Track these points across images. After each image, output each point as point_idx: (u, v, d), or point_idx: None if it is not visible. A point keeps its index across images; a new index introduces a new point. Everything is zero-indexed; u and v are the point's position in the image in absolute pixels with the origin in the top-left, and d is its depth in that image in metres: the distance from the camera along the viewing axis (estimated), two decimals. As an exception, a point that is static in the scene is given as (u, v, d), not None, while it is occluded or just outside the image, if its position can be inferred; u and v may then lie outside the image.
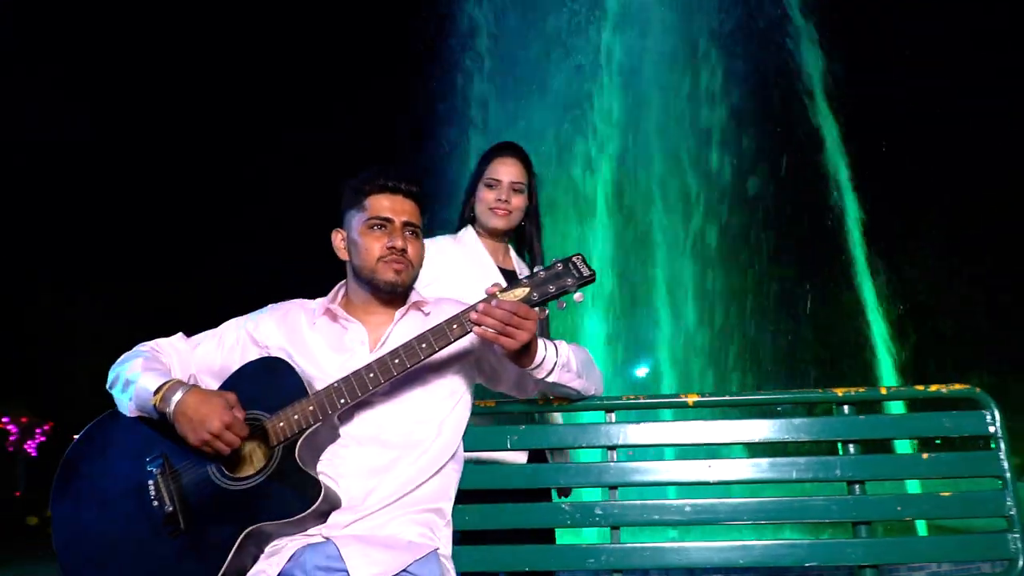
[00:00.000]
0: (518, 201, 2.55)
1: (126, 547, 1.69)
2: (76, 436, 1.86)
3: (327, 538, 1.66)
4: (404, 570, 1.62)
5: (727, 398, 2.19)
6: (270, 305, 2.03)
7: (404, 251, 1.87)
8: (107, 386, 1.88)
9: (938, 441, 2.23)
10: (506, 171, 2.55)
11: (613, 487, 2.06)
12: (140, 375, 1.78)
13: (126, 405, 1.79)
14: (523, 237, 2.66)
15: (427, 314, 1.94)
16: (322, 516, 1.68)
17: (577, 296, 1.79)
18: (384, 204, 1.87)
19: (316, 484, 1.65)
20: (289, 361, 1.81)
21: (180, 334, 2.00)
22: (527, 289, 1.78)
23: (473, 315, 1.73)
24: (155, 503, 1.69)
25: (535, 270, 1.81)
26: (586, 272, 1.79)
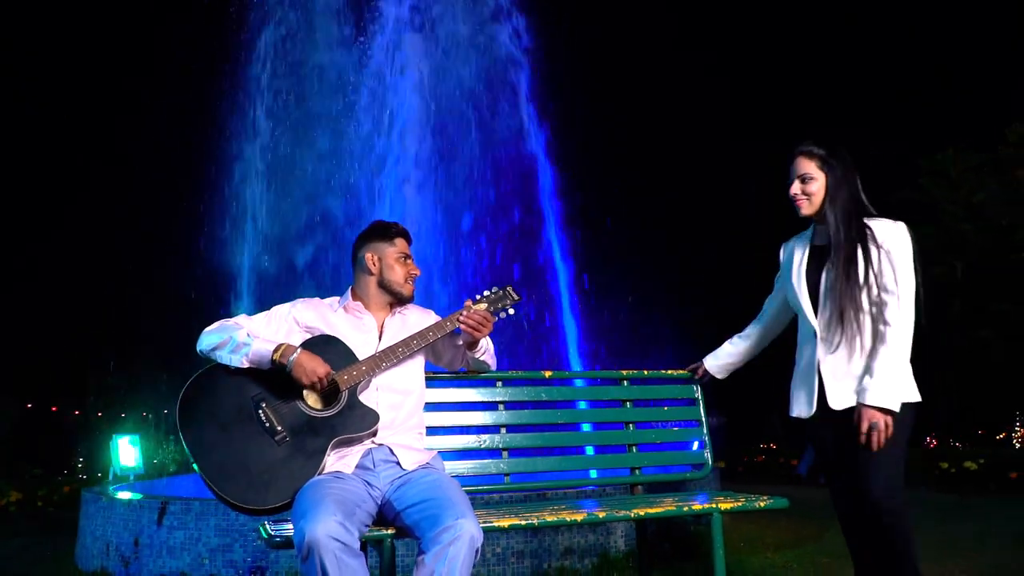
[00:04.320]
0: (810, 188, 2.92)
1: (248, 451, 2.61)
2: (185, 386, 2.71)
3: (380, 444, 2.77)
4: (428, 462, 2.81)
5: (568, 372, 3.67)
6: (300, 299, 3.02)
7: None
8: (208, 348, 2.75)
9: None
10: (792, 169, 2.97)
11: (504, 426, 3.41)
12: (253, 340, 2.70)
13: (238, 360, 2.69)
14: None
15: (404, 313, 3.10)
16: (374, 433, 2.78)
17: (511, 311, 3.11)
18: (404, 244, 3.02)
19: (375, 414, 2.75)
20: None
21: (243, 314, 2.92)
22: (486, 304, 3.05)
23: (462, 317, 2.96)
24: (267, 424, 2.65)
25: (484, 293, 3.09)
26: (516, 296, 3.12)
